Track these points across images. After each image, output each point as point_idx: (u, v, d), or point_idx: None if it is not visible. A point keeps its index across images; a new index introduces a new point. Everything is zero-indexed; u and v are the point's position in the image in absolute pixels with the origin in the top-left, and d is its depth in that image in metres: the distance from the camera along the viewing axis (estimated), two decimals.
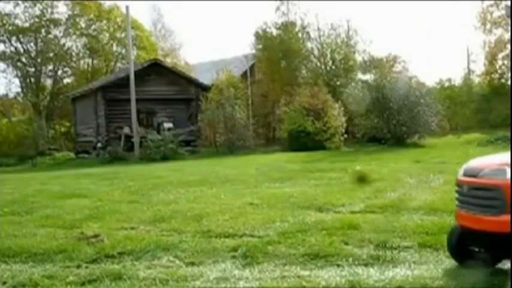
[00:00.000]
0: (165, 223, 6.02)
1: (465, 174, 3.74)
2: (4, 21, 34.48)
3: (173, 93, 27.11)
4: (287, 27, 30.97)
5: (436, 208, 6.33)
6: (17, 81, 36.58)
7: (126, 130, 24.93)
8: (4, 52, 35.05)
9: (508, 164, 3.45)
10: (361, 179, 9.17)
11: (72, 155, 27.86)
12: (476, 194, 3.50)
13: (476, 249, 3.72)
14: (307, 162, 15.14)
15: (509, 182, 3.34)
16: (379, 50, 51.75)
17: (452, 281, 3.65)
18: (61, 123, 35.96)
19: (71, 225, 6.18)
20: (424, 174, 10.28)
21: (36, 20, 34.88)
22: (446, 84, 34.72)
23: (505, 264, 3.76)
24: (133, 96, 23.74)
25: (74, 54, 37.60)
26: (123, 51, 36.31)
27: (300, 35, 31.22)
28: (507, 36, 28.50)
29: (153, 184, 10.34)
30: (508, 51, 29.35)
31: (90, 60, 38.51)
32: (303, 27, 31.12)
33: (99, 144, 25.63)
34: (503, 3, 28.95)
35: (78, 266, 4.40)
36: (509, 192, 3.30)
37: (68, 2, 35.83)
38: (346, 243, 4.74)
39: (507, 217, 3.28)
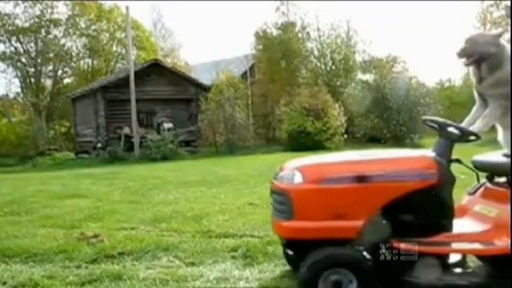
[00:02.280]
0: (165, 223, 6.02)
1: (273, 178, 3.64)
2: (4, 21, 34.51)
3: (173, 93, 27.13)
4: (287, 27, 30.98)
5: None
6: (17, 81, 36.67)
7: (126, 130, 24.94)
8: (4, 52, 35.08)
9: (299, 168, 3.37)
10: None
11: (72, 155, 27.86)
12: (274, 198, 3.42)
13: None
14: None
15: (296, 186, 3.26)
16: (379, 50, 51.83)
17: None
18: (61, 123, 35.99)
19: (71, 226, 6.18)
20: None
21: (36, 20, 34.92)
22: (446, 84, 34.74)
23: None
24: (133, 97, 23.75)
25: (74, 54, 37.65)
26: (123, 51, 36.36)
27: (300, 35, 31.23)
28: (507, 36, 28.47)
29: (153, 184, 10.34)
30: None
31: (90, 60, 38.56)
32: (303, 28, 31.13)
33: (99, 144, 25.63)
34: (503, 3, 28.99)
35: (78, 266, 4.40)
36: (297, 197, 3.22)
37: (68, 2, 35.88)
38: None
39: (295, 223, 3.21)
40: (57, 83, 36.67)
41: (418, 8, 60.15)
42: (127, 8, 26.34)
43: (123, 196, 8.89)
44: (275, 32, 31.57)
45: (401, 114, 22.83)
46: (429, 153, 3.41)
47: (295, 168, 3.38)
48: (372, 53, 32.13)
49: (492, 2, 30.31)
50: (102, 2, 37.01)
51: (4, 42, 34.88)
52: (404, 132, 22.95)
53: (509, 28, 27.21)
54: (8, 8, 41.09)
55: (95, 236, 5.39)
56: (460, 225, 3.51)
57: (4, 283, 4.00)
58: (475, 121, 3.54)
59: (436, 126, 3.49)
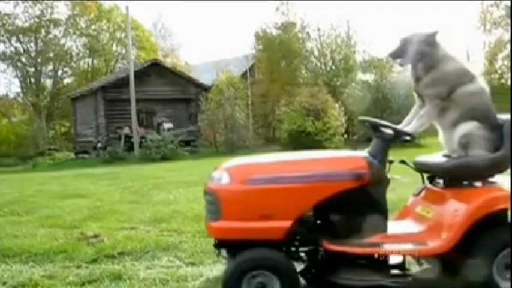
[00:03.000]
0: (165, 223, 6.02)
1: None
2: (4, 21, 34.51)
3: (173, 93, 27.13)
4: (287, 27, 30.98)
5: None
6: (17, 81, 36.71)
7: (126, 130, 24.94)
8: (4, 52, 35.09)
9: (227, 168, 3.36)
10: None
11: (72, 155, 27.88)
12: (206, 199, 3.40)
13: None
14: None
15: (223, 187, 3.24)
16: (379, 50, 51.78)
17: None
18: (61, 123, 36.02)
19: (71, 226, 6.18)
20: None
21: (36, 20, 34.94)
22: None
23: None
24: (133, 97, 23.75)
25: (74, 54, 37.67)
26: (123, 51, 36.38)
27: (300, 35, 31.22)
28: (507, 36, 28.53)
29: (153, 184, 10.33)
30: (508, 51, 29.37)
31: (90, 60, 38.59)
32: (303, 27, 31.12)
33: (99, 144, 25.64)
34: (503, 3, 29.00)
35: (78, 266, 4.40)
36: (224, 197, 3.21)
37: (68, 2, 35.89)
38: None
39: (223, 223, 3.21)
40: (57, 83, 36.69)
41: (418, 8, 60.15)
42: (127, 8, 26.37)
43: (123, 196, 8.89)
44: (275, 32, 31.57)
45: (402, 114, 22.77)
46: (362, 153, 3.40)
47: (224, 169, 3.36)
48: (372, 52, 32.12)
49: (492, 2, 30.32)
50: (102, 2, 37.05)
51: (4, 42, 34.93)
52: None
53: (510, 28, 26.98)
54: (8, 8, 41.12)
55: (95, 236, 5.39)
56: (399, 226, 3.53)
57: (4, 283, 4.00)
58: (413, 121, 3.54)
59: (370, 126, 3.49)
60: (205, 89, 27.06)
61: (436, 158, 3.60)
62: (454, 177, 3.42)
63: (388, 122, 3.51)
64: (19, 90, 36.74)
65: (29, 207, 7.88)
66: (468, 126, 3.35)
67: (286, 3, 31.35)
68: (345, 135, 23.69)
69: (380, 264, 3.26)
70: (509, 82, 29.64)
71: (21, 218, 6.94)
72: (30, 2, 34.69)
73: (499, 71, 31.54)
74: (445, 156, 3.53)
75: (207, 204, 3.36)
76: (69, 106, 31.84)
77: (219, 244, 3.35)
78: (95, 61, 38.48)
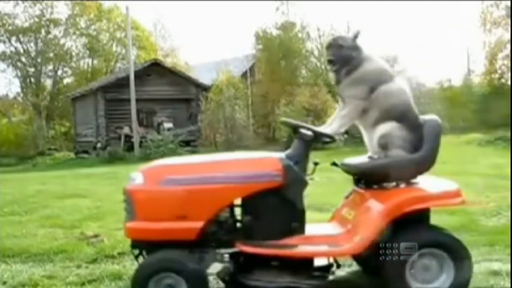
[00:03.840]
0: None
1: None
2: (4, 21, 34.49)
3: (173, 93, 27.12)
4: (287, 27, 30.98)
5: (436, 208, 6.31)
6: (17, 81, 36.69)
7: (126, 130, 24.94)
8: (4, 52, 35.07)
9: (142, 169, 3.39)
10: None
11: (72, 155, 27.88)
12: (123, 199, 3.42)
13: None
14: None
15: (137, 187, 3.27)
16: (379, 50, 51.75)
17: None
18: (61, 123, 36.00)
19: (71, 225, 6.18)
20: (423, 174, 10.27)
21: (36, 20, 34.91)
22: (446, 84, 34.72)
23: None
24: (133, 96, 23.75)
25: (74, 54, 37.65)
26: (123, 51, 36.35)
27: (299, 35, 31.22)
28: (507, 36, 28.51)
29: None
30: (508, 51, 29.34)
31: (90, 60, 38.57)
32: (303, 27, 31.13)
33: (99, 144, 25.64)
34: (503, 3, 28.98)
35: (78, 266, 4.40)
36: (137, 198, 3.24)
37: (68, 2, 35.86)
38: None
39: (136, 224, 3.23)
40: (57, 83, 36.67)
41: (418, 8, 60.15)
42: (127, 8, 26.35)
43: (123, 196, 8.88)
44: (275, 32, 31.57)
45: None
46: (278, 155, 3.39)
47: (140, 170, 3.39)
48: (372, 53, 32.14)
49: (492, 2, 30.30)
50: (102, 1, 37.03)
51: (4, 42, 34.89)
52: None
53: (510, 28, 26.97)
54: (8, 7, 41.05)
55: (95, 236, 5.40)
56: (322, 228, 3.55)
57: (4, 283, 4.00)
58: None
59: (290, 128, 3.49)
60: (205, 89, 27.05)
61: (360, 159, 3.58)
62: (374, 178, 3.41)
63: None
64: (19, 90, 36.76)
65: (29, 207, 7.88)
66: (387, 127, 3.32)
67: (286, 3, 31.38)
68: (345, 135, 23.69)
69: (300, 266, 3.26)
70: (509, 82, 29.64)
71: (21, 218, 6.94)
72: (30, 2, 34.67)
73: (499, 71, 31.53)
74: (369, 157, 3.51)
75: (125, 205, 3.38)
76: (69, 106, 31.83)
77: (135, 245, 3.36)
78: (95, 61, 38.47)
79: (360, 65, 3.39)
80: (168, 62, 34.18)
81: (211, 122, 24.68)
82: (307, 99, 23.37)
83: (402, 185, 3.38)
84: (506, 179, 8.39)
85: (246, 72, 31.40)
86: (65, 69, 37.59)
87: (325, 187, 8.99)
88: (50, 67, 36.39)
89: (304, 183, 3.33)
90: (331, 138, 3.48)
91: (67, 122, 34.94)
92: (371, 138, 3.45)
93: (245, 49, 34.10)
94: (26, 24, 34.82)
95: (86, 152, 26.77)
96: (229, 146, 23.68)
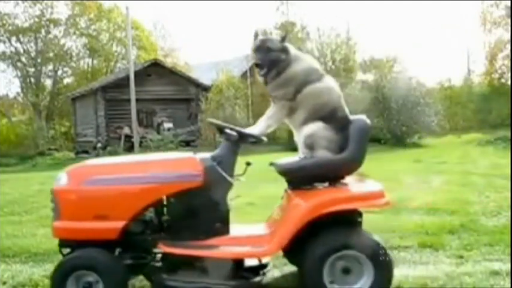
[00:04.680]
0: None
1: None
2: (4, 21, 34.49)
3: (173, 93, 27.11)
4: (287, 27, 30.99)
5: (436, 208, 6.33)
6: (17, 81, 36.71)
7: (126, 130, 24.94)
8: (4, 52, 35.07)
9: (67, 170, 3.43)
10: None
11: (72, 155, 27.86)
12: (51, 199, 3.45)
13: None
14: None
15: (61, 188, 3.32)
16: (379, 50, 51.83)
17: (452, 281, 3.65)
18: (61, 123, 35.98)
19: None
20: (424, 174, 10.29)
21: (36, 20, 34.90)
22: (446, 84, 34.75)
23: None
24: (133, 96, 23.75)
25: (74, 54, 37.64)
26: (123, 51, 36.35)
27: (299, 35, 31.23)
28: (507, 36, 28.51)
29: None
30: (508, 51, 29.35)
31: (90, 60, 38.56)
32: (303, 27, 31.15)
33: (99, 144, 25.64)
34: (503, 3, 28.98)
35: None
36: (61, 198, 3.29)
37: (68, 2, 35.86)
38: None
39: (61, 223, 3.29)
40: (57, 83, 36.67)
41: (418, 8, 60.16)
42: (127, 8, 26.35)
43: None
44: (275, 32, 31.55)
45: (402, 114, 22.82)
46: (200, 155, 3.41)
47: (65, 170, 3.45)
48: (372, 52, 32.17)
49: (492, 2, 30.30)
50: (102, 1, 37.03)
51: (4, 42, 34.87)
52: (404, 132, 22.96)
53: (510, 28, 26.99)
54: (8, 7, 41.08)
55: None
56: (252, 229, 3.54)
57: (4, 283, 4.00)
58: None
59: (217, 129, 3.51)
60: (205, 89, 27.05)
61: (290, 159, 3.56)
62: (301, 179, 3.39)
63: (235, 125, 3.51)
64: (19, 90, 36.76)
65: (29, 207, 7.88)
66: (313, 127, 3.31)
67: (286, 3, 31.42)
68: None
69: (229, 267, 3.26)
70: (509, 82, 29.65)
71: (21, 218, 6.94)
72: (30, 2, 34.66)
73: (499, 71, 31.54)
74: (300, 158, 3.48)
75: (52, 205, 3.43)
76: (69, 106, 31.83)
77: (63, 244, 3.40)
78: (95, 61, 38.47)
79: (288, 66, 3.38)
80: (168, 62, 34.17)
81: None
82: None
83: (328, 186, 3.34)
84: (506, 179, 8.40)
85: (246, 72, 31.37)
86: (65, 69, 37.60)
87: None
88: (50, 67, 36.40)
89: (228, 184, 3.33)
90: (258, 138, 3.46)
91: (67, 122, 34.94)
92: (299, 138, 3.43)
93: (245, 49, 34.04)
94: (26, 24, 34.82)
95: (86, 152, 26.76)
96: None
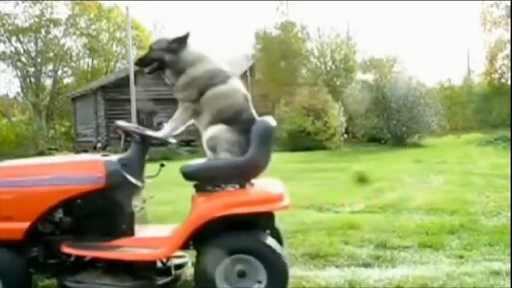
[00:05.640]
0: (164, 223, 6.01)
1: None
2: (4, 21, 34.49)
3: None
4: (287, 27, 31.00)
5: (436, 208, 6.33)
6: (17, 81, 36.71)
7: None
8: (4, 52, 35.07)
9: None
10: (361, 179, 9.16)
11: (72, 155, 27.88)
12: None
13: None
14: (307, 162, 15.15)
15: None
16: (379, 50, 51.83)
17: (452, 281, 3.64)
18: (61, 123, 35.99)
19: None
20: (424, 174, 10.29)
21: (36, 20, 34.89)
22: (446, 84, 34.78)
23: None
24: (133, 96, 23.74)
25: (74, 54, 37.64)
26: (123, 51, 36.34)
27: (299, 35, 31.23)
28: (507, 36, 28.52)
29: (152, 183, 10.31)
30: (508, 51, 29.36)
31: (90, 60, 38.56)
32: (303, 27, 31.15)
33: (99, 144, 25.62)
34: (503, 3, 28.99)
35: None
36: None
37: (68, 2, 35.86)
38: (346, 243, 4.73)
39: None
40: (57, 83, 36.67)
41: (418, 8, 60.16)
42: (127, 8, 26.36)
43: None
44: (275, 32, 31.60)
45: (402, 114, 22.83)
46: (106, 158, 3.43)
47: None
48: (372, 52, 32.17)
49: (492, 2, 30.31)
50: (102, 1, 37.04)
51: (4, 42, 34.88)
52: (404, 132, 22.96)
53: (510, 28, 27.01)
54: (8, 7, 41.06)
55: None
56: (159, 230, 3.54)
57: None
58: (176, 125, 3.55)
59: (123, 132, 3.51)
60: None
61: (194, 162, 3.56)
62: (205, 181, 3.38)
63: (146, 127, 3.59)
64: (19, 90, 36.78)
65: None
66: (215, 129, 3.31)
67: (286, 3, 31.41)
68: (345, 135, 23.71)
69: (141, 267, 3.29)
70: (509, 82, 29.66)
71: None
72: (30, 2, 34.65)
73: (499, 71, 31.55)
74: (208, 160, 3.48)
75: None
76: (69, 106, 31.82)
77: None
78: (95, 61, 38.48)
79: (187, 67, 3.38)
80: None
81: None
82: (307, 99, 23.37)
83: (235, 188, 3.33)
84: (506, 179, 8.40)
85: (245, 72, 31.39)
86: (65, 69, 37.61)
87: (326, 187, 9.01)
88: (50, 67, 36.40)
89: (133, 186, 3.37)
90: (163, 141, 3.52)
91: (67, 122, 34.94)
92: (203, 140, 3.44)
93: (245, 49, 34.07)
94: (26, 24, 34.82)
95: (86, 152, 26.72)
96: None
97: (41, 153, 27.31)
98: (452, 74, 66.47)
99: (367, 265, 4.10)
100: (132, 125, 3.59)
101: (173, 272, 3.39)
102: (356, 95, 24.79)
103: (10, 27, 34.63)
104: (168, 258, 3.40)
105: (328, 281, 3.72)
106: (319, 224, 5.58)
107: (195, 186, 3.42)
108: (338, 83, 28.72)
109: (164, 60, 3.41)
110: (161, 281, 3.29)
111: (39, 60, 35.31)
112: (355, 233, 5.08)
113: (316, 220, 5.87)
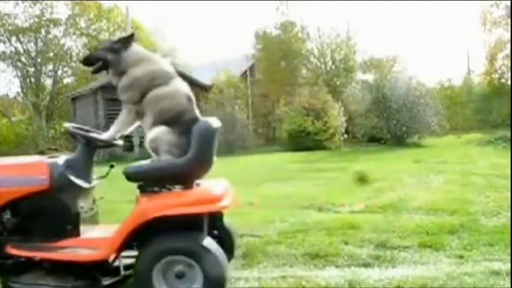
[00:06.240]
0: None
1: None
2: (4, 21, 34.47)
3: None
4: (287, 27, 30.98)
5: (436, 208, 6.33)
6: (17, 81, 36.63)
7: None
8: (4, 52, 35.05)
9: None
10: (361, 179, 9.17)
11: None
12: None
13: None
14: (307, 162, 15.14)
15: None
16: (379, 50, 51.82)
17: (452, 281, 3.64)
18: (61, 123, 35.91)
19: None
20: (424, 174, 10.29)
21: (36, 20, 34.86)
22: (446, 84, 34.75)
23: None
24: None
25: (74, 54, 37.58)
26: None
27: (299, 35, 31.22)
28: (507, 36, 28.52)
29: None
30: (508, 51, 29.36)
31: None
32: (303, 27, 31.13)
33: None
34: (503, 3, 28.99)
35: None
36: None
37: (68, 2, 35.83)
38: (346, 243, 4.73)
39: None
40: (57, 83, 36.64)
41: (418, 8, 60.15)
42: (127, 8, 26.42)
43: (123, 196, 8.87)
44: (275, 32, 31.58)
45: (402, 114, 22.82)
46: (50, 160, 3.46)
47: None
48: (372, 52, 32.17)
49: (492, 2, 30.31)
50: (102, 1, 37.02)
51: (4, 42, 34.83)
52: (404, 132, 22.96)
53: (510, 28, 27.03)
54: (8, 7, 41.03)
55: None
56: (104, 231, 3.55)
57: None
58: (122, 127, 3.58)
59: (70, 134, 3.59)
60: (205, 89, 27.03)
61: (137, 164, 3.57)
62: (148, 183, 3.39)
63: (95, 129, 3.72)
64: (19, 90, 36.72)
65: None
66: (157, 131, 3.31)
67: (286, 3, 31.38)
68: (345, 135, 23.70)
69: (92, 268, 3.30)
70: (509, 82, 29.65)
71: None
72: (30, 2, 34.62)
73: (499, 71, 31.54)
74: (153, 162, 3.49)
75: None
76: (69, 106, 31.80)
77: None
78: None
79: (129, 68, 3.40)
80: (168, 61, 34.14)
81: None
82: (307, 99, 23.37)
83: (176, 190, 3.35)
84: (506, 179, 8.40)
85: (246, 72, 31.39)
86: (65, 69, 37.55)
87: (326, 187, 9.01)
88: (50, 67, 36.36)
89: (78, 187, 3.41)
90: (108, 143, 3.56)
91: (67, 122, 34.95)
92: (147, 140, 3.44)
93: (245, 49, 34.05)
94: (26, 24, 34.77)
95: None
96: (229, 146, 23.69)
97: (41, 153, 27.31)
98: (452, 74, 66.37)
99: (367, 265, 4.10)
100: (80, 127, 3.63)
101: (122, 272, 3.38)
102: (356, 95, 24.77)
103: (10, 27, 34.59)
104: (116, 258, 3.39)
105: (328, 281, 3.72)
106: (319, 224, 5.58)
107: (139, 187, 3.42)
108: (338, 83, 28.70)
109: (107, 59, 3.43)
110: (107, 281, 3.30)
111: (39, 60, 35.28)
112: (355, 233, 5.09)
113: (316, 220, 5.88)
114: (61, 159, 3.48)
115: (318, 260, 4.26)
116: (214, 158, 3.49)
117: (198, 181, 3.46)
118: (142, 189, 3.40)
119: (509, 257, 4.07)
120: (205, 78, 28.86)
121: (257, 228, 5.46)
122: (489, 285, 3.54)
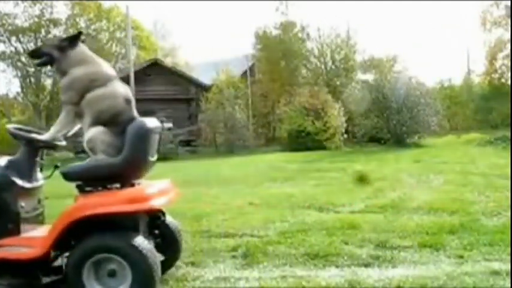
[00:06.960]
0: None
1: None
2: (4, 21, 34.47)
3: (173, 93, 27.12)
4: (287, 27, 30.97)
5: (436, 208, 6.32)
6: (17, 81, 36.59)
7: None
8: (4, 52, 35.04)
9: None
10: (361, 179, 9.16)
11: (71, 155, 27.83)
12: None
13: None
14: (307, 162, 15.14)
15: None
16: (379, 50, 51.83)
17: (452, 281, 3.64)
18: None
19: None
20: (424, 174, 10.28)
21: (36, 20, 34.85)
22: (446, 84, 34.74)
23: None
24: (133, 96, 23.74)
25: None
26: (123, 51, 36.33)
27: (299, 35, 31.20)
28: (507, 36, 28.53)
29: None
30: (508, 51, 29.37)
31: None
32: (303, 27, 31.12)
33: None
34: (503, 3, 28.99)
35: None
36: None
37: (68, 2, 35.82)
38: (346, 243, 4.73)
39: None
40: (57, 83, 36.60)
41: (418, 8, 60.16)
42: (127, 7, 26.39)
43: None
44: (274, 32, 31.56)
45: (402, 114, 22.81)
46: None
47: None
48: (372, 52, 32.16)
49: (492, 2, 30.32)
50: (102, 1, 37.02)
51: (4, 42, 34.84)
52: (404, 132, 22.95)
53: (510, 28, 27.00)
54: (8, 7, 41.06)
55: None
56: (44, 230, 3.56)
57: None
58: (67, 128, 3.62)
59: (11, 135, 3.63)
60: (205, 89, 27.05)
61: (76, 164, 3.63)
62: (85, 182, 3.45)
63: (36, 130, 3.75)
64: (19, 90, 36.73)
65: None
66: (94, 131, 3.37)
67: (286, 3, 31.36)
68: (345, 135, 23.69)
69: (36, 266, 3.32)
70: (509, 82, 29.65)
71: None
72: (30, 2, 34.62)
73: (499, 71, 31.55)
74: (91, 161, 3.53)
75: None
76: None
77: None
78: None
79: (71, 68, 3.45)
80: (168, 61, 34.16)
81: (211, 122, 24.68)
82: (307, 99, 23.36)
83: (116, 189, 3.39)
84: (506, 179, 8.39)
85: (246, 72, 31.37)
86: None
87: (327, 187, 9.02)
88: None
89: (18, 187, 3.47)
90: (48, 143, 3.60)
91: None
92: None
93: (245, 49, 34.05)
94: (26, 24, 34.77)
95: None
96: (229, 146, 23.70)
97: None
98: (452, 74, 66.43)
99: (367, 265, 4.10)
100: (22, 128, 3.69)
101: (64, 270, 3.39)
102: (356, 95, 24.75)
103: (10, 27, 34.59)
104: (57, 257, 3.42)
105: (328, 281, 3.72)
106: (319, 224, 5.58)
107: (77, 186, 3.47)
108: (338, 83, 28.69)
109: (53, 56, 3.48)
110: (46, 280, 3.33)
111: None
112: (355, 233, 5.09)
113: (316, 220, 5.88)
114: (3, 160, 3.56)
115: (318, 260, 4.26)
116: (153, 158, 3.55)
117: (138, 181, 3.52)
118: (81, 189, 3.44)
119: (509, 257, 4.07)
120: (205, 78, 28.88)
121: (257, 228, 5.46)
122: (489, 285, 3.54)
